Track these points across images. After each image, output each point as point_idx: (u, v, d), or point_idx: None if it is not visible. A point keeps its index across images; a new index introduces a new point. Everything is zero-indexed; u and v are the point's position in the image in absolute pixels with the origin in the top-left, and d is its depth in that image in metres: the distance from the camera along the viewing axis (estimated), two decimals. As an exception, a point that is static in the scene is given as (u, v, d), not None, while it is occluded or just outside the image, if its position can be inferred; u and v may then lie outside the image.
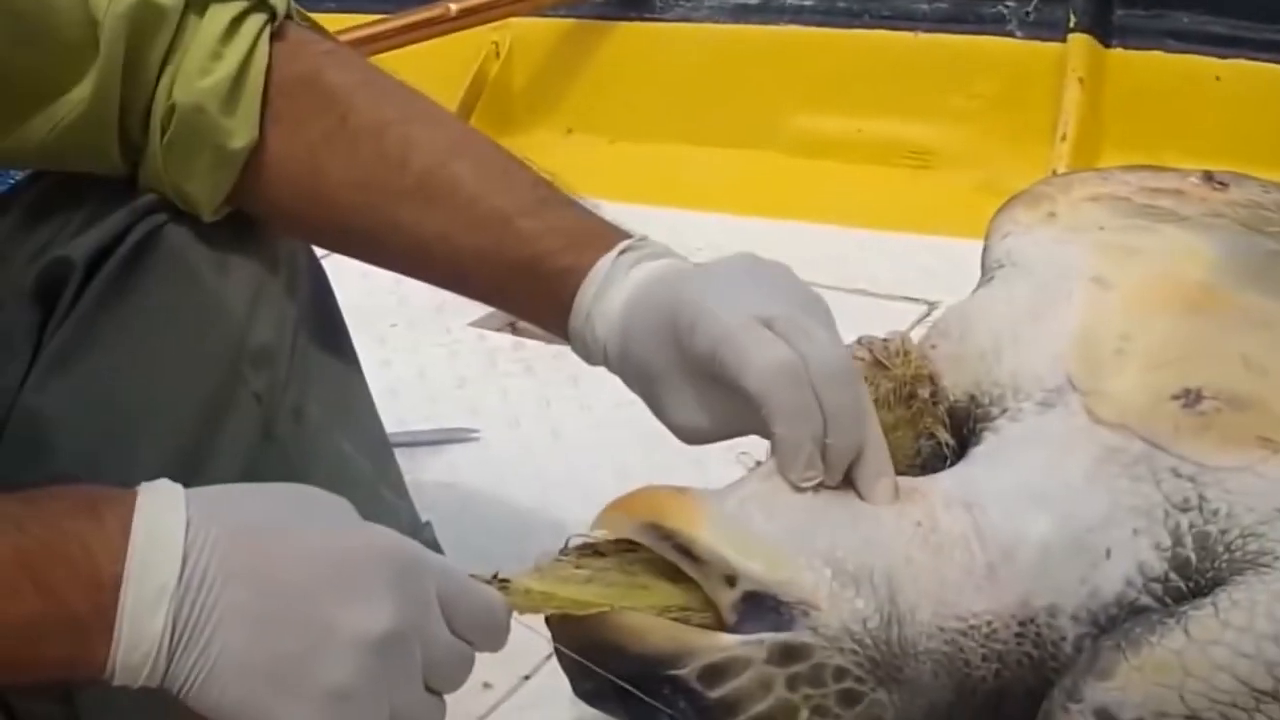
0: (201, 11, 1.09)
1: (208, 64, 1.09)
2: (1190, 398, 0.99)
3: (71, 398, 1.06)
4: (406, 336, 2.01)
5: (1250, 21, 2.39)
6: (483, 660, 1.29)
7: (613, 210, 2.15)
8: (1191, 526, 0.94)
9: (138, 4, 1.06)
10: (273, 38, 1.11)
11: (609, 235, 1.09)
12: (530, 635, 1.31)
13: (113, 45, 1.06)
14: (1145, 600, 0.94)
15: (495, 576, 0.91)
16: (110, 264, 1.08)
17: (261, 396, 1.11)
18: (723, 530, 0.95)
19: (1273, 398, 0.98)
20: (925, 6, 2.66)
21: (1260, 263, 1.17)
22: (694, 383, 1.01)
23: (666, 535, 0.95)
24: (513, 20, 2.78)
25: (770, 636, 0.93)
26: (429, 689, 0.86)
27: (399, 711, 0.84)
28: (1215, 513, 0.94)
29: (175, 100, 1.08)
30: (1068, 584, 0.96)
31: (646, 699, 0.94)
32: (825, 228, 2.43)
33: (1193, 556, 0.93)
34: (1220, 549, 0.93)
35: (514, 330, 2.05)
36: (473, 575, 0.90)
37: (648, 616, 0.94)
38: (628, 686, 0.94)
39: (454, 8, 2.57)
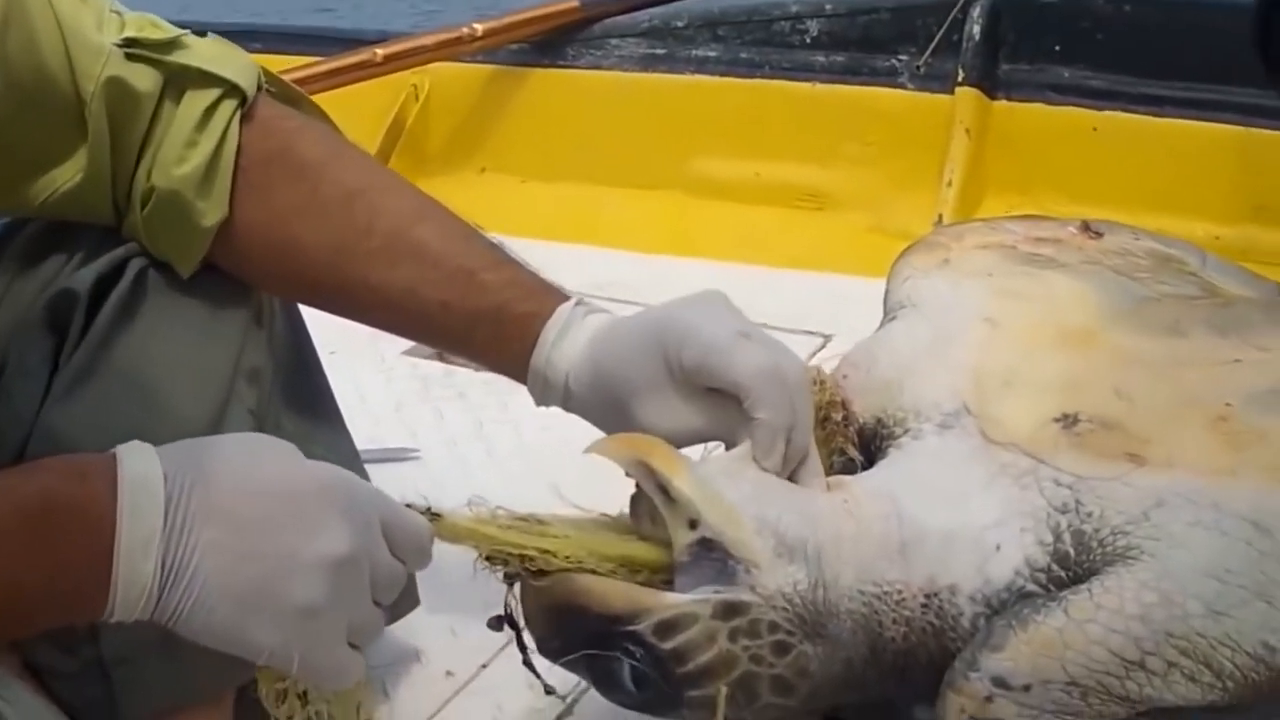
0: (177, 99, 1.21)
1: (184, 151, 1.21)
2: (1068, 421, 1.16)
3: (87, 415, 1.17)
4: (346, 364, 2.10)
5: (1126, 76, 2.56)
6: (445, 650, 1.44)
7: (521, 246, 2.31)
8: (1069, 526, 1.10)
9: (111, 82, 1.18)
10: (244, 118, 1.23)
11: (559, 291, 1.26)
12: (488, 630, 1.45)
13: (98, 122, 1.18)
14: (1031, 587, 1.10)
15: (428, 509, 1.07)
16: (115, 293, 1.19)
17: (254, 411, 1.24)
18: (698, 482, 1.11)
19: (1138, 421, 1.15)
20: (822, 59, 2.81)
21: (1130, 306, 1.35)
22: (678, 391, 1.17)
23: (650, 473, 1.10)
24: (432, 66, 2.91)
25: (715, 595, 1.08)
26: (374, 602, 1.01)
27: (354, 623, 0.99)
28: (1090, 515, 1.10)
29: (154, 184, 1.21)
30: (966, 570, 1.12)
31: (607, 652, 1.09)
32: (726, 265, 2.55)
33: (1071, 551, 1.10)
34: (1094, 545, 1.09)
35: (442, 358, 2.19)
36: (408, 505, 1.06)
37: (607, 580, 1.09)
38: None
39: (380, 53, 2.71)
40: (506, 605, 1.16)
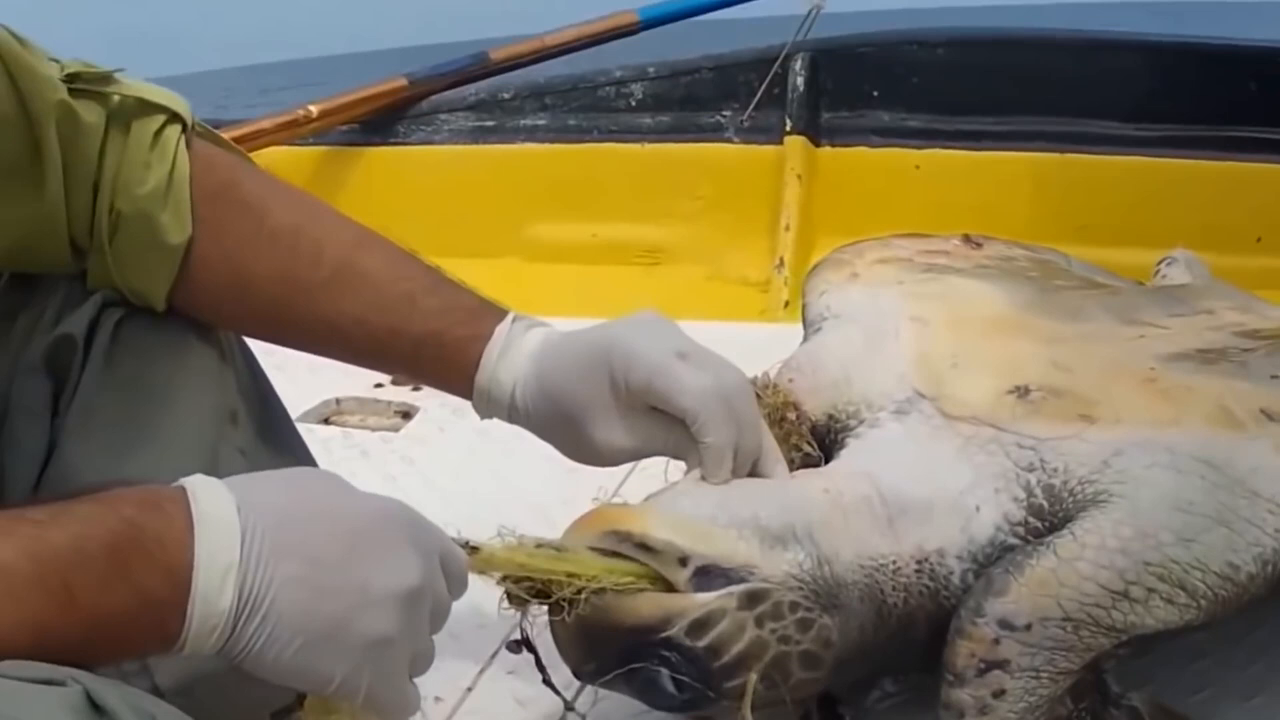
0: (124, 129, 1.24)
1: (142, 174, 1.24)
2: (1021, 391, 1.27)
3: (98, 457, 1.20)
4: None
5: (942, 115, 2.76)
6: (427, 679, 1.49)
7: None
8: (1039, 482, 1.21)
9: (63, 107, 1.20)
10: (187, 147, 1.27)
11: (497, 309, 1.32)
12: (463, 655, 1.50)
13: (53, 148, 1.20)
14: (1012, 540, 1.21)
15: (466, 542, 1.09)
16: (98, 340, 1.23)
17: (244, 451, 1.28)
18: (669, 523, 1.18)
19: (1081, 386, 1.27)
20: (649, 120, 2.96)
21: (1032, 297, 1.48)
22: (621, 410, 1.24)
23: (625, 537, 1.16)
24: (266, 151, 2.92)
25: (737, 587, 1.15)
26: None
27: (416, 653, 1.02)
28: (1055, 470, 1.21)
29: (120, 209, 1.24)
30: (951, 532, 1.22)
31: (646, 664, 1.15)
32: (574, 320, 2.63)
33: (1045, 503, 1.21)
34: (1065, 495, 1.20)
35: (328, 423, 2.25)
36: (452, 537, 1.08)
37: (634, 595, 1.15)
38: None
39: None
40: (522, 630, 1.21)
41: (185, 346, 1.29)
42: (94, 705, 0.77)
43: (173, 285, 1.27)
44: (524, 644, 1.23)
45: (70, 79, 1.22)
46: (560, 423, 1.28)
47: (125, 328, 1.26)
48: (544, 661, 1.25)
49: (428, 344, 1.30)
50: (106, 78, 1.24)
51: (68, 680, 0.78)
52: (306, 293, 1.29)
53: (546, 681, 1.28)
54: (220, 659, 0.94)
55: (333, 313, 1.29)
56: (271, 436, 1.36)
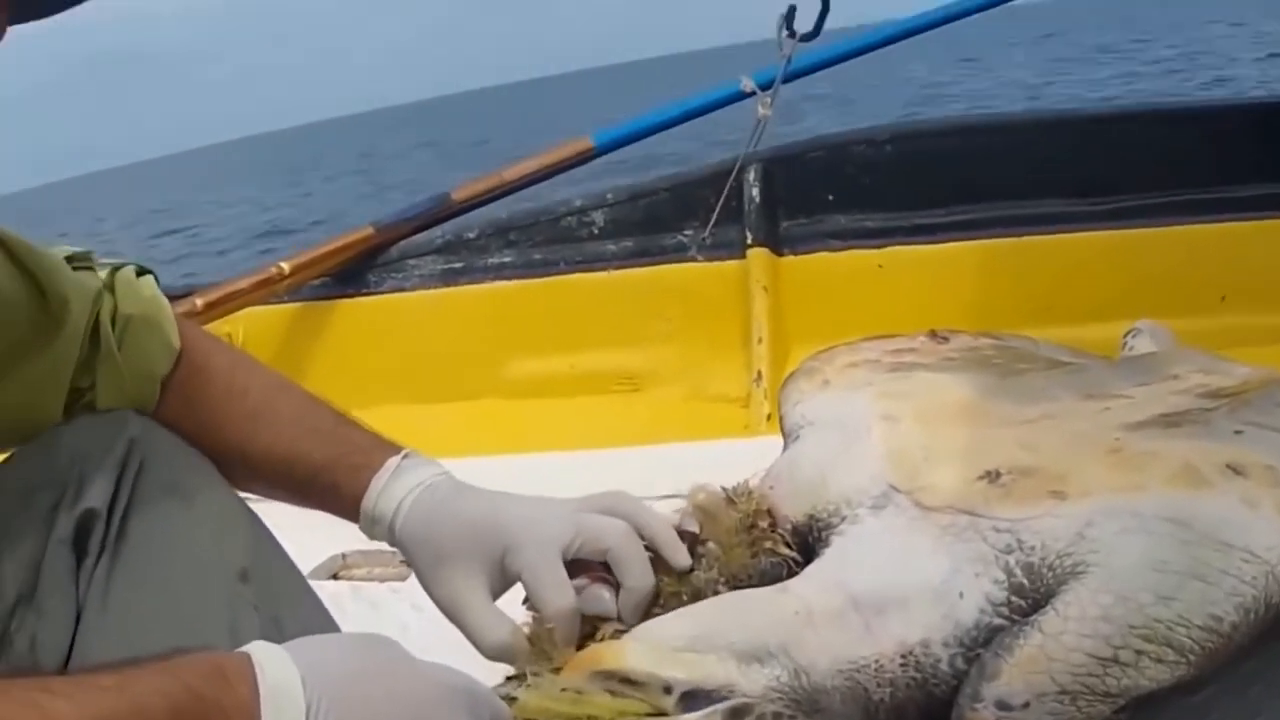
0: (110, 284, 1.43)
1: (138, 290, 1.44)
2: (992, 476, 1.31)
3: (120, 628, 1.25)
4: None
5: (897, 211, 2.80)
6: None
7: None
8: (1018, 561, 1.24)
9: (97, 294, 1.38)
10: None
11: (392, 447, 1.42)
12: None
13: (77, 325, 1.36)
14: (998, 621, 1.23)
15: (507, 695, 1.16)
16: (115, 513, 1.30)
17: (258, 606, 1.33)
18: (648, 656, 1.22)
19: (1049, 464, 1.30)
20: (612, 247, 2.99)
21: (995, 384, 1.52)
22: (491, 580, 1.35)
23: (610, 675, 1.21)
24: (243, 312, 3.00)
25: (719, 707, 1.19)
26: None
27: None
28: (1033, 548, 1.24)
29: (128, 314, 1.41)
30: (934, 621, 1.24)
31: None
32: (561, 454, 2.64)
33: (1025, 581, 1.23)
34: (1045, 570, 1.22)
35: (335, 578, 2.28)
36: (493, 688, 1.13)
37: None
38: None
39: (199, 302, 2.81)
40: None
41: (194, 509, 1.36)
42: None
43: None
44: None
45: (69, 259, 1.41)
46: (431, 567, 1.38)
47: (139, 494, 1.33)
48: None
49: (323, 473, 1.41)
50: (88, 256, 1.43)
51: None
52: (230, 424, 1.44)
53: None
54: None
55: (248, 444, 1.43)
56: (283, 590, 1.42)
